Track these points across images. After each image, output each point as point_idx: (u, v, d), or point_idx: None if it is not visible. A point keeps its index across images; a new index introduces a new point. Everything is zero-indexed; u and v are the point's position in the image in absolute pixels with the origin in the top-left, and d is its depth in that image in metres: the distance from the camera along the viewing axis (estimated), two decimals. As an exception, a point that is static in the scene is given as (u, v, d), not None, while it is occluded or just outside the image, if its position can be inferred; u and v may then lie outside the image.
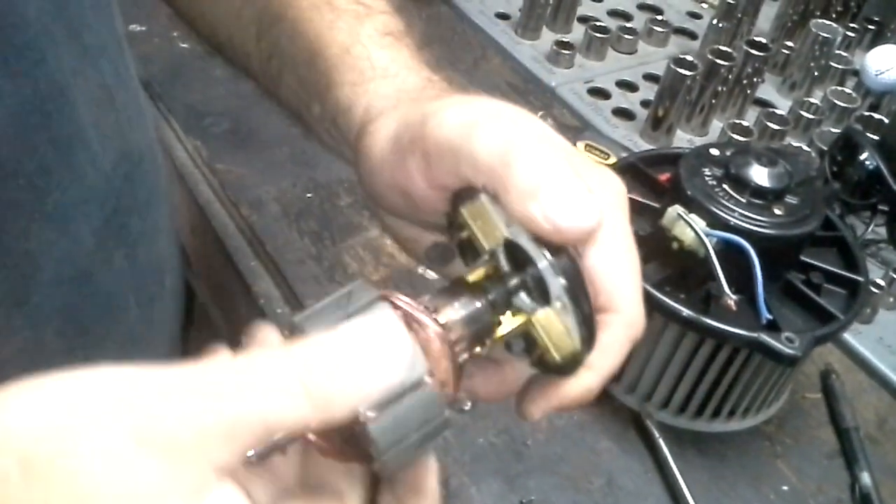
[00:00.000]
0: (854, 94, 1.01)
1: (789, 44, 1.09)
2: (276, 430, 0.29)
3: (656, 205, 0.69)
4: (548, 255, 0.36)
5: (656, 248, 0.66)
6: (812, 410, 0.73)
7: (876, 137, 0.89)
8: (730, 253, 0.61)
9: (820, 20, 1.06)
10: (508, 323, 0.37)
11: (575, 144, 0.93)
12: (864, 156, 0.85)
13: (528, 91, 1.03)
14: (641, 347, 0.67)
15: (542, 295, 0.37)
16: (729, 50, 0.97)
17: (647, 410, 0.68)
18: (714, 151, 0.67)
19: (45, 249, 0.46)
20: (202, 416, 0.28)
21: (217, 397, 0.29)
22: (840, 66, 1.06)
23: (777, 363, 0.61)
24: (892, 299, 0.80)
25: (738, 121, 0.94)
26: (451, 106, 0.40)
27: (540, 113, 0.96)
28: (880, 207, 0.85)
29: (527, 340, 0.38)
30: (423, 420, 0.32)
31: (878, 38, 1.15)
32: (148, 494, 0.27)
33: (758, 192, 0.63)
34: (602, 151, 0.91)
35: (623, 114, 1.00)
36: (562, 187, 0.36)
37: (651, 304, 0.63)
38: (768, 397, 0.69)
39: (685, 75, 0.93)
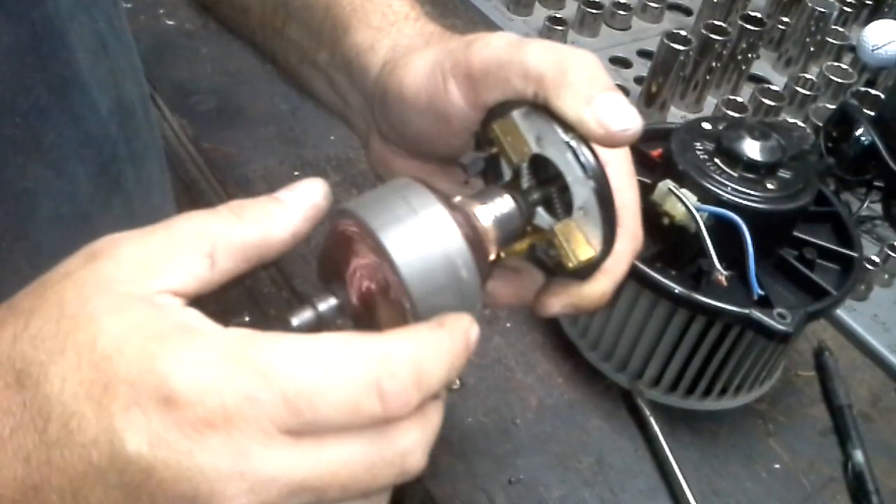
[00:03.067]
0: (850, 70, 1.00)
1: (785, 19, 1.07)
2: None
3: (648, 180, 0.68)
4: (576, 166, 0.39)
5: (647, 224, 0.64)
6: (805, 388, 0.72)
7: (872, 113, 0.88)
8: (721, 228, 0.60)
9: (816, -5, 1.04)
10: (533, 230, 0.41)
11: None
12: (859, 131, 0.83)
13: (521, 68, 1.01)
14: (632, 324, 0.66)
15: (564, 206, 0.40)
16: (723, 25, 0.96)
17: (638, 388, 0.67)
18: (706, 125, 0.66)
19: (42, 188, 0.48)
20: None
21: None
22: (836, 42, 1.05)
23: (768, 339, 0.60)
24: (886, 276, 0.79)
25: (732, 97, 0.93)
26: (493, 34, 0.43)
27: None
28: (876, 183, 0.84)
29: (548, 246, 0.42)
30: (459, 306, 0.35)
31: (875, 13, 1.13)
32: None
33: (750, 166, 0.62)
34: (594, 128, 0.90)
35: (616, 90, 0.99)
36: (611, 95, 0.39)
37: (641, 280, 0.62)
38: (761, 375, 0.68)
39: (679, 51, 0.91)
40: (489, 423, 0.65)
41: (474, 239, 0.37)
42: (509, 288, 0.44)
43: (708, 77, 0.96)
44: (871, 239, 0.83)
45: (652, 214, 0.63)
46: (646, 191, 0.66)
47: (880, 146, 0.83)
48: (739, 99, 0.92)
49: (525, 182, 0.41)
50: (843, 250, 0.66)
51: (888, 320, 0.76)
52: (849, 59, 1.05)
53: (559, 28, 1.03)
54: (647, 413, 0.66)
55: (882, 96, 0.94)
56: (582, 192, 0.39)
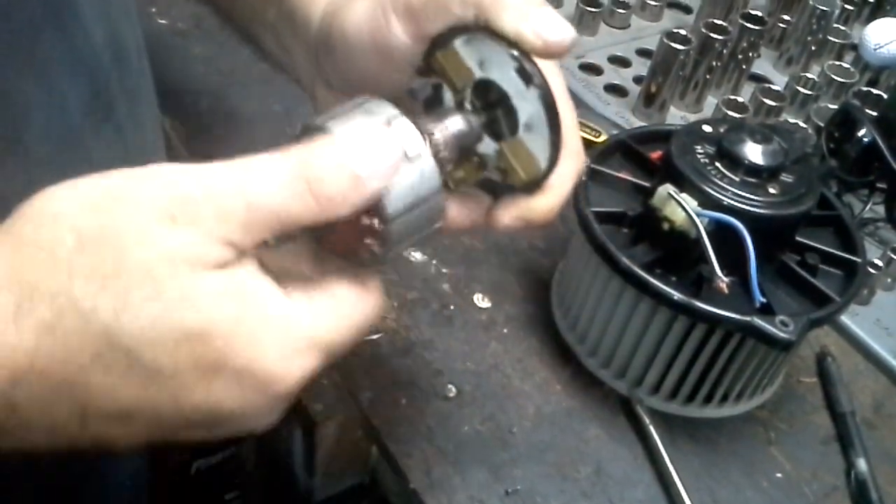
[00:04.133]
0: (852, 69, 0.98)
1: (786, 17, 1.06)
2: (291, 225, 0.36)
3: (647, 184, 0.67)
4: (521, 80, 0.42)
5: (647, 229, 0.64)
6: (807, 395, 0.71)
7: (874, 113, 0.87)
8: (722, 233, 0.59)
9: (817, -7, 1.03)
10: (480, 158, 0.45)
11: (565, 122, 0.90)
12: (861, 132, 0.82)
13: (518, 67, 1.00)
14: (631, 331, 0.64)
15: (509, 128, 0.43)
16: (723, 24, 0.94)
17: (637, 396, 0.66)
18: (707, 128, 0.65)
19: (34, 101, 0.49)
20: (224, 202, 0.35)
21: (236, 191, 0.35)
22: (838, 41, 1.03)
23: (771, 348, 0.59)
24: (889, 280, 0.78)
25: (732, 97, 0.92)
26: None
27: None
28: (878, 185, 0.83)
29: (497, 168, 0.45)
30: (424, 196, 0.39)
31: (877, 11, 1.12)
32: (177, 260, 0.34)
33: (752, 170, 0.61)
34: (593, 129, 0.89)
35: (615, 90, 0.98)
36: (545, 10, 0.42)
37: (641, 286, 0.61)
38: (762, 382, 0.67)
39: (678, 50, 0.90)
40: (486, 432, 0.63)
41: (432, 146, 0.40)
42: (462, 211, 0.45)
43: (708, 76, 0.94)
44: (874, 242, 0.82)
45: (652, 219, 0.62)
46: (646, 195, 0.65)
47: (883, 147, 0.81)
48: (740, 99, 0.91)
49: (471, 104, 0.44)
50: (847, 255, 0.65)
51: (891, 325, 0.75)
52: (851, 58, 1.04)
53: (557, 27, 1.02)
54: (647, 421, 0.65)
55: (884, 96, 0.93)
56: (526, 106, 0.42)
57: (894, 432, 0.69)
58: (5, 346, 0.33)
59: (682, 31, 0.92)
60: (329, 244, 0.40)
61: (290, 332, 0.37)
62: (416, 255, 0.75)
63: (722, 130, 0.64)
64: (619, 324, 0.65)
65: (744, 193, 0.60)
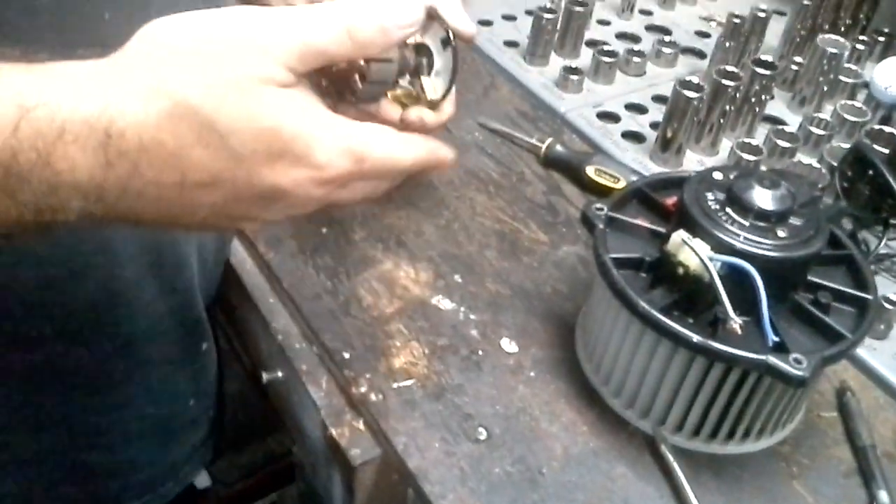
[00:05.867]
0: (864, 108, 1.01)
1: (798, 59, 1.09)
2: (331, 59, 0.50)
3: (663, 230, 0.70)
4: (441, 45, 0.64)
5: (663, 273, 0.67)
6: (828, 429, 0.73)
7: (886, 151, 0.89)
8: (735, 276, 0.62)
9: (827, 35, 1.06)
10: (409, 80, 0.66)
11: (584, 170, 0.94)
12: (873, 171, 0.85)
13: (538, 118, 1.04)
14: (652, 372, 0.67)
15: (428, 69, 0.65)
16: (735, 70, 0.98)
17: (662, 434, 0.69)
18: (717, 175, 0.68)
19: None
20: (288, 41, 0.48)
21: (296, 34, 0.48)
22: (849, 80, 1.06)
23: (786, 385, 0.61)
24: (906, 314, 0.80)
25: (746, 140, 0.95)
26: None
27: (549, 139, 0.97)
28: (892, 221, 0.85)
29: (413, 90, 0.66)
30: (388, 58, 0.57)
31: (887, 50, 1.15)
32: (258, 77, 0.47)
33: (760, 215, 0.64)
34: (612, 175, 0.92)
35: (632, 136, 1.01)
36: (464, 12, 0.64)
37: (659, 329, 0.64)
38: (782, 417, 0.69)
39: (691, 97, 0.93)
40: (516, 474, 0.66)
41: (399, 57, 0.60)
42: (388, 107, 0.65)
43: (722, 121, 0.98)
44: (890, 277, 0.84)
45: (668, 264, 0.65)
46: (662, 241, 0.68)
47: (894, 184, 0.84)
48: (754, 142, 0.94)
49: (411, 54, 0.64)
50: (858, 293, 0.68)
51: (909, 359, 0.77)
52: (864, 95, 1.06)
53: (575, 77, 1.06)
54: (671, 459, 0.67)
55: (896, 133, 0.95)
56: (440, 60, 0.64)
57: (916, 464, 0.70)
58: (138, 120, 0.44)
59: (695, 80, 0.95)
60: (328, 77, 0.55)
61: (336, 134, 0.50)
62: (445, 303, 0.79)
63: (732, 177, 0.67)
64: (640, 365, 0.68)
65: (754, 237, 0.63)
